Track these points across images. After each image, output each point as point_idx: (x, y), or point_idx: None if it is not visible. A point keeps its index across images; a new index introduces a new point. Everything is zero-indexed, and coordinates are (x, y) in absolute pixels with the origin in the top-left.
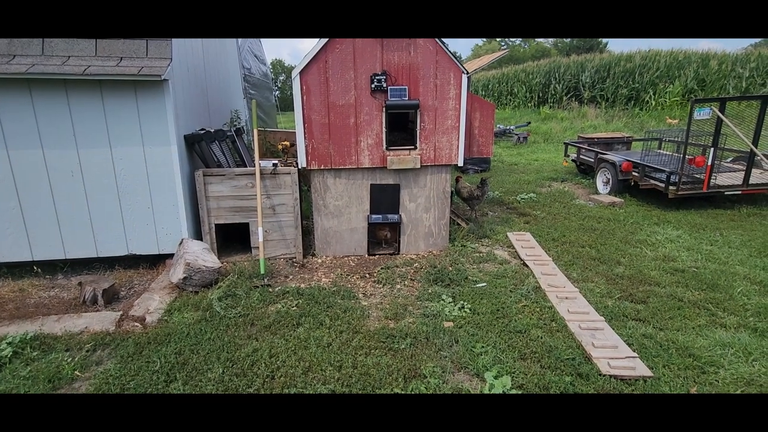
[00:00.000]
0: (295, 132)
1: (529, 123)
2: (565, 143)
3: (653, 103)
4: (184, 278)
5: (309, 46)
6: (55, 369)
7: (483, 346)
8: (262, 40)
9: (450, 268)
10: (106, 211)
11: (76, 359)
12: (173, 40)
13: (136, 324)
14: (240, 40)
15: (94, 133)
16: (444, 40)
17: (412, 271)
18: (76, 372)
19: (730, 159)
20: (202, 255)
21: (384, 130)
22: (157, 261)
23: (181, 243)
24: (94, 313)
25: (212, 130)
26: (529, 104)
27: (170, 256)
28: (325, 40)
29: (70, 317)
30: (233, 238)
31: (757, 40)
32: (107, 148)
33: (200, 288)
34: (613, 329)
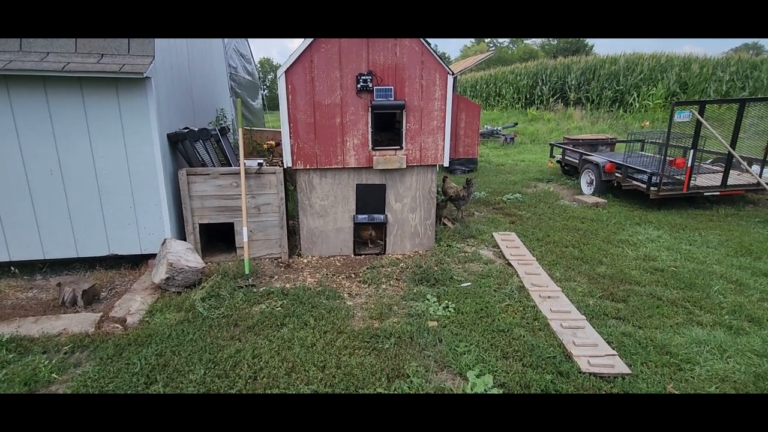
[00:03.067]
0: (281, 131)
1: (516, 124)
2: (550, 144)
3: (637, 105)
4: (167, 278)
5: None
6: (31, 372)
7: (466, 346)
8: (249, 40)
9: (435, 268)
10: (87, 211)
11: (54, 362)
12: (156, 38)
13: (117, 325)
14: (226, 38)
15: (74, 132)
16: (430, 40)
17: (398, 270)
18: (53, 375)
19: (710, 161)
20: (186, 255)
21: (370, 130)
22: (139, 261)
23: (163, 243)
24: (74, 314)
25: (196, 129)
26: (517, 105)
27: (153, 256)
28: (311, 39)
29: (48, 319)
30: (218, 238)
31: (738, 44)
32: (88, 146)
33: (183, 288)
34: (594, 328)
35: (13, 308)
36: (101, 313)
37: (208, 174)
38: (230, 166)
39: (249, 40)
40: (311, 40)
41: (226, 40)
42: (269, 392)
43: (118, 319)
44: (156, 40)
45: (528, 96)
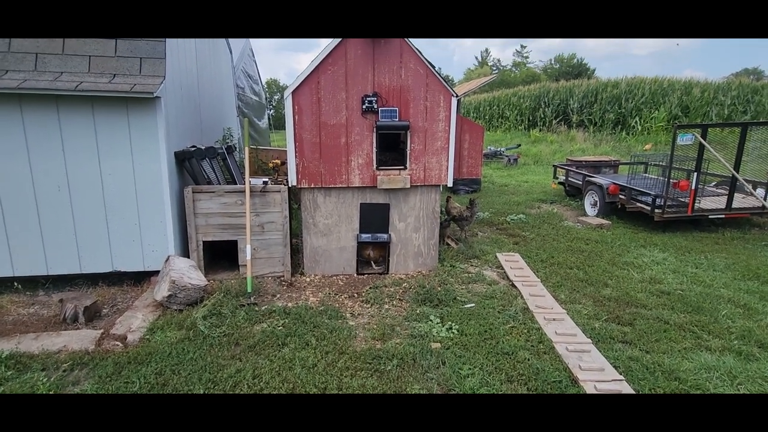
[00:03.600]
0: (287, 150)
1: (519, 145)
2: (554, 166)
3: (639, 127)
4: (169, 296)
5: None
6: (29, 389)
7: (470, 368)
8: (258, 59)
9: (439, 289)
10: (92, 227)
11: (52, 379)
12: (167, 58)
13: (117, 343)
14: (235, 59)
15: (83, 149)
16: (434, 63)
17: (401, 291)
18: (51, 392)
19: (714, 183)
20: (188, 272)
21: (374, 150)
22: (142, 278)
23: (167, 260)
24: (74, 331)
25: (203, 147)
26: (520, 127)
27: (156, 273)
28: (318, 61)
29: (48, 335)
30: (221, 255)
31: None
32: (96, 163)
33: (185, 306)
34: (600, 352)
35: (14, 324)
36: (102, 330)
37: (213, 192)
38: (236, 184)
39: (257, 59)
40: (318, 61)
41: (234, 61)
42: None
43: (119, 336)
44: (167, 60)
45: (531, 118)
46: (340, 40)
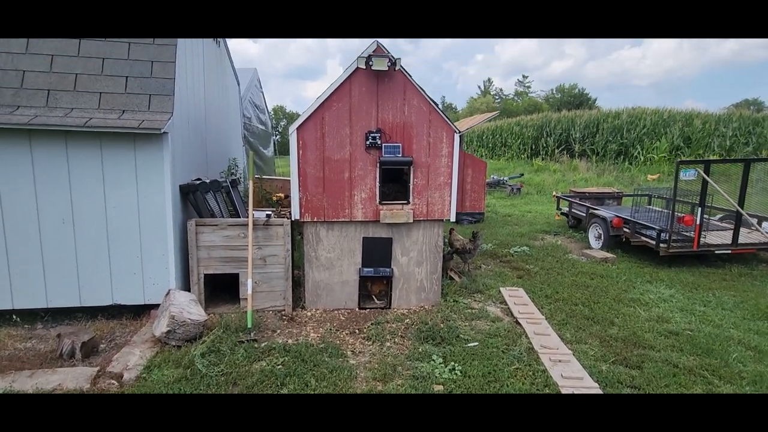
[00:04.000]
0: (290, 180)
1: (522, 175)
2: (557, 197)
3: (642, 158)
4: (168, 332)
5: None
6: None
7: None
8: (265, 86)
9: (441, 325)
10: (94, 260)
11: None
12: (175, 94)
13: (113, 381)
14: (242, 90)
15: (89, 183)
16: (438, 91)
17: (403, 327)
18: None
19: (719, 217)
20: (188, 307)
21: (377, 184)
22: (141, 311)
23: (167, 294)
24: (70, 368)
25: (208, 181)
26: (523, 156)
27: (155, 306)
28: (323, 98)
29: (44, 372)
30: (222, 288)
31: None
32: (101, 196)
33: (184, 342)
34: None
35: (10, 360)
36: (98, 368)
37: (216, 225)
38: (239, 216)
39: (264, 88)
40: (324, 98)
41: (242, 92)
42: None
43: (115, 374)
44: (175, 97)
45: (533, 147)
46: (345, 77)
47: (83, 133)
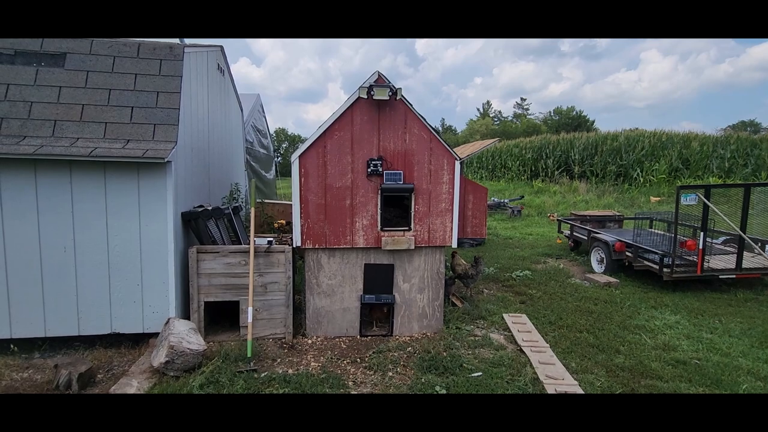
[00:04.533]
0: (292, 205)
1: (522, 197)
2: (558, 220)
3: (641, 179)
4: (166, 362)
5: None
6: None
7: None
8: (267, 108)
9: (444, 354)
10: (94, 288)
11: None
12: (180, 123)
13: None
14: (245, 115)
15: (92, 211)
16: (437, 128)
17: (405, 355)
18: None
19: (722, 239)
20: (188, 336)
21: (379, 211)
22: (140, 340)
23: (167, 323)
24: None
25: (210, 208)
26: (523, 177)
27: (154, 335)
28: (325, 127)
29: None
30: (222, 315)
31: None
32: (104, 224)
33: (182, 372)
34: None
35: (6, 390)
36: None
37: (217, 252)
38: (240, 243)
39: (266, 113)
40: (326, 127)
41: (245, 117)
42: None
43: None
44: (180, 127)
45: (533, 168)
46: (347, 106)
47: (88, 163)
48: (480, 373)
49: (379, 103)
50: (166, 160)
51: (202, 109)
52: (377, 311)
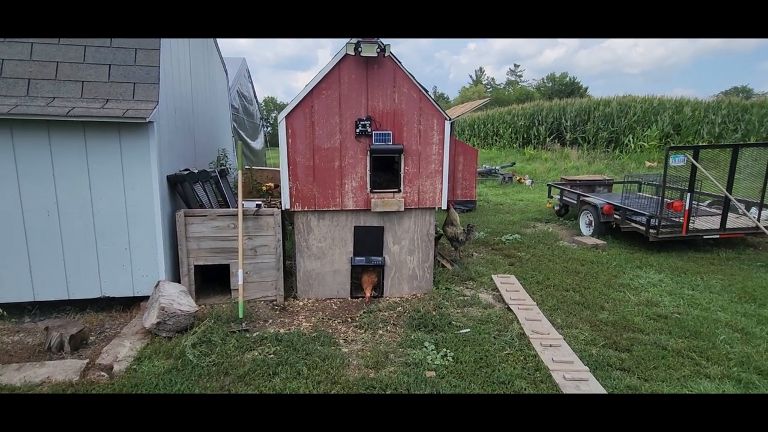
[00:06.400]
0: (280, 173)
1: (514, 164)
2: (548, 185)
3: (632, 146)
4: (158, 323)
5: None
6: None
7: None
8: (255, 77)
9: (434, 313)
10: (81, 252)
11: None
12: (161, 82)
13: (103, 373)
14: (230, 80)
15: (74, 174)
16: (430, 81)
17: (395, 315)
18: None
19: (707, 202)
20: (178, 298)
21: (368, 173)
22: (131, 303)
23: (157, 285)
24: (59, 361)
25: (196, 171)
26: (514, 144)
27: (145, 298)
28: (312, 85)
29: (32, 366)
30: (213, 279)
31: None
32: (87, 187)
33: (174, 333)
34: (598, 380)
35: None
36: (87, 360)
37: (205, 215)
38: (228, 207)
39: (253, 79)
40: (312, 86)
41: (230, 82)
42: None
43: (105, 366)
44: (160, 85)
45: (525, 136)
46: (334, 64)
47: (66, 123)
48: (468, 330)
49: (367, 61)
50: (147, 120)
51: (184, 70)
52: (367, 276)
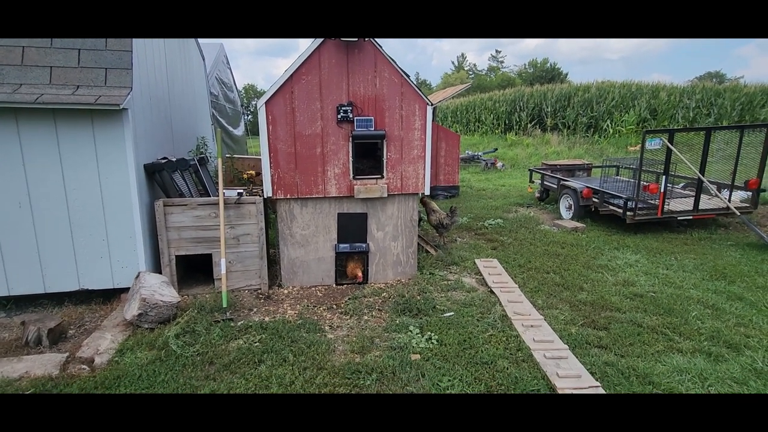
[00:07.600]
0: (261, 161)
1: (496, 150)
2: (529, 170)
3: (611, 130)
4: (139, 314)
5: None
6: None
7: (449, 380)
8: (235, 64)
9: (418, 298)
10: (56, 244)
11: None
12: (134, 68)
13: (84, 366)
14: (208, 67)
15: (45, 163)
16: (413, 67)
17: (380, 301)
18: None
19: (682, 185)
20: (160, 289)
21: (351, 159)
22: (111, 296)
23: (137, 276)
24: (37, 355)
25: (174, 159)
26: (496, 131)
27: (126, 290)
28: (292, 71)
29: (9, 361)
30: (195, 268)
31: (701, 73)
32: (60, 178)
33: (157, 324)
34: (577, 358)
35: None
36: (67, 353)
37: (185, 205)
38: (209, 196)
39: (233, 66)
40: (292, 71)
41: (208, 69)
42: None
43: (86, 359)
44: (134, 71)
45: (507, 122)
46: (314, 49)
47: (35, 111)
48: (452, 313)
49: (347, 45)
50: (121, 107)
51: (158, 56)
52: (352, 264)
